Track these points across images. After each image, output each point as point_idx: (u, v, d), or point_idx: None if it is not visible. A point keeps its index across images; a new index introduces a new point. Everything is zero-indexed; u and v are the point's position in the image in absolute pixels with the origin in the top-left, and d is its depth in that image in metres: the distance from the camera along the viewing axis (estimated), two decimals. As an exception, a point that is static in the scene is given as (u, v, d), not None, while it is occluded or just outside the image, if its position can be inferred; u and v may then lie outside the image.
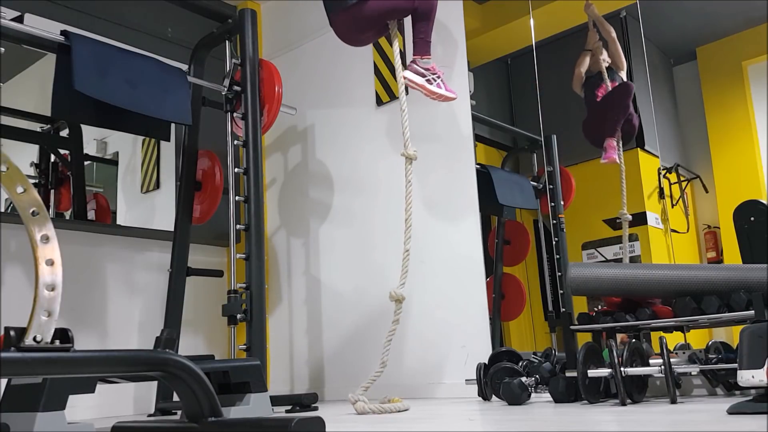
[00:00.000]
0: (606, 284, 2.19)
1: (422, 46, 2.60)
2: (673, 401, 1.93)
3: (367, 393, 2.42)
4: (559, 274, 3.01)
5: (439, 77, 2.60)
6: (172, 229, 3.11)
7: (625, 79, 3.02)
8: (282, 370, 3.72)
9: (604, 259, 2.99)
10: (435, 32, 3.29)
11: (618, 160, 2.95)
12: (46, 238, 1.36)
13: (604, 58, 3.05)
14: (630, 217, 2.92)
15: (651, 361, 2.08)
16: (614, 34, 3.04)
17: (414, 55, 2.63)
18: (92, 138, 3.40)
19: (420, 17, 2.60)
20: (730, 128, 2.93)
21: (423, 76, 2.57)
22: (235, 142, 2.98)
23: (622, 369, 1.99)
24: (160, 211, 3.56)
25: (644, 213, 2.91)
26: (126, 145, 3.56)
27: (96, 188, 3.42)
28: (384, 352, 2.45)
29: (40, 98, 3.13)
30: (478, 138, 3.25)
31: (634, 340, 2.16)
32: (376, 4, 2.53)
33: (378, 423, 1.99)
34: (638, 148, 2.97)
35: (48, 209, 2.72)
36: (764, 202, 2.31)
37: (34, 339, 1.30)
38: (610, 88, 3.01)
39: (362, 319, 3.38)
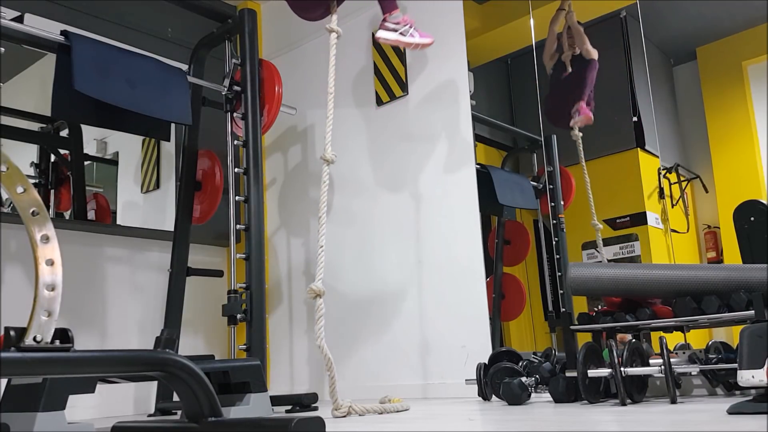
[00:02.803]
0: (606, 284, 2.19)
1: (387, 3, 2.65)
2: (673, 401, 1.93)
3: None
4: (559, 274, 3.01)
5: (411, 26, 2.64)
6: (172, 229, 3.11)
7: None
8: (282, 370, 3.72)
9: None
10: (435, 32, 3.30)
11: (593, 119, 3.00)
12: (46, 238, 1.36)
13: (570, 49, 3.11)
14: (600, 226, 2.97)
15: (651, 361, 2.08)
16: (587, 45, 3.09)
17: (383, 14, 2.66)
18: (92, 138, 3.40)
19: None
20: (730, 128, 2.93)
21: (395, 31, 2.62)
22: (235, 142, 2.98)
23: (622, 369, 1.99)
24: (160, 211, 3.56)
25: (644, 213, 2.91)
26: (126, 145, 3.56)
27: (96, 188, 3.42)
28: (323, 353, 2.38)
29: (40, 98, 3.13)
30: (478, 138, 3.25)
31: (634, 340, 2.16)
32: None
33: (378, 423, 1.99)
34: (638, 148, 2.98)
35: (48, 209, 2.72)
36: (764, 202, 2.31)
37: (34, 339, 1.30)
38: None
39: (362, 318, 3.38)
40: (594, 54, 3.07)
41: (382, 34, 2.62)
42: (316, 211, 3.72)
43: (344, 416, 2.28)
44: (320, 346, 2.35)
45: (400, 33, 2.60)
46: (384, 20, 2.63)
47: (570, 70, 3.11)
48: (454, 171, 3.14)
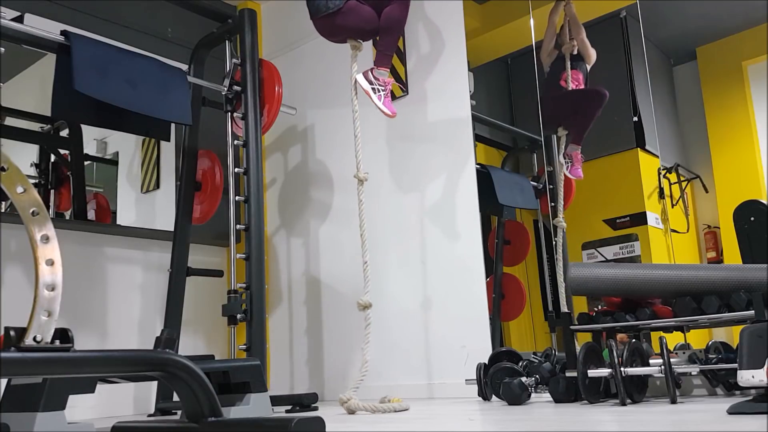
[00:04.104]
0: (606, 284, 2.19)
1: (380, 58, 2.77)
2: (673, 401, 1.93)
3: (368, 393, 2.43)
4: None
5: (384, 90, 2.76)
6: (172, 229, 3.11)
7: (588, 69, 3.10)
8: (282, 370, 3.72)
9: (604, 259, 2.99)
10: (435, 32, 3.31)
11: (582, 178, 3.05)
12: (46, 238, 1.36)
13: (574, 44, 3.11)
14: (565, 225, 3.00)
15: (651, 361, 2.08)
16: (582, 36, 3.10)
17: (374, 63, 2.78)
18: (92, 138, 3.40)
19: (383, 31, 2.76)
20: (730, 128, 2.93)
21: (371, 84, 2.74)
22: (235, 142, 2.98)
23: (622, 369, 1.99)
24: (160, 211, 3.56)
25: (644, 213, 2.91)
26: (126, 145, 3.56)
27: (96, 188, 3.42)
28: (364, 353, 2.52)
29: (40, 98, 3.13)
30: (478, 138, 3.25)
31: (634, 340, 2.16)
32: (342, 20, 2.71)
33: (378, 423, 1.99)
34: (638, 148, 2.98)
35: (48, 209, 2.72)
36: (764, 202, 2.31)
37: (34, 339, 1.30)
38: (569, 76, 3.07)
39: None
40: (591, 50, 3.07)
41: (360, 79, 2.75)
42: (316, 211, 3.74)
43: (348, 401, 2.33)
44: (363, 348, 2.53)
45: (373, 88, 2.73)
46: (371, 69, 2.75)
47: (570, 67, 3.10)
48: (454, 171, 3.14)
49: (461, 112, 3.16)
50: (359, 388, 2.45)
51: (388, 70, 2.79)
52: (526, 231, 3.41)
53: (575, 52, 3.12)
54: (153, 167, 3.60)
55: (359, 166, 2.70)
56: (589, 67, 3.10)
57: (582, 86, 3.11)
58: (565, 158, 3.07)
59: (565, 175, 3.05)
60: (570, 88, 3.10)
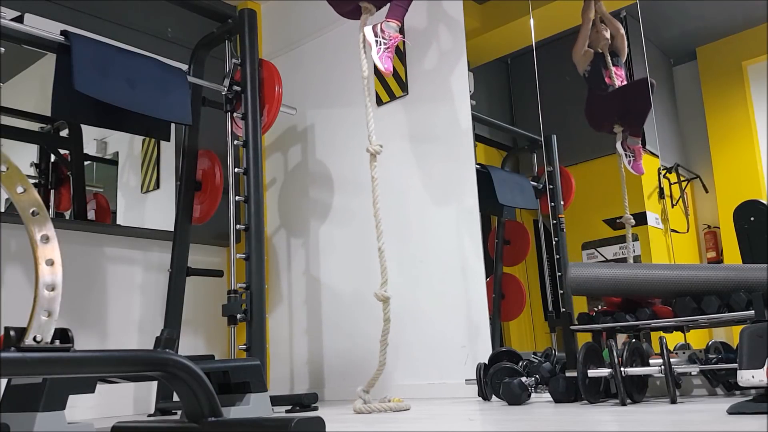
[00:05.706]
0: (606, 284, 2.19)
1: (392, 9, 2.66)
2: (673, 401, 1.93)
3: (368, 393, 2.43)
4: (559, 274, 3.01)
5: (387, 44, 2.62)
6: (172, 229, 3.11)
7: (622, 63, 3.06)
8: (282, 370, 3.72)
9: (604, 259, 2.99)
10: (435, 32, 3.31)
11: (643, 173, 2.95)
12: (46, 238, 1.36)
13: (607, 38, 3.07)
14: (633, 221, 2.92)
15: (651, 361, 2.08)
16: (622, 31, 3.06)
17: (386, 16, 2.67)
18: (92, 138, 3.40)
19: None
20: (730, 128, 2.92)
21: (376, 36, 2.61)
22: (235, 142, 2.98)
23: (622, 369, 1.99)
24: (160, 211, 3.56)
25: (644, 213, 2.91)
26: (126, 145, 3.56)
27: (96, 188, 3.42)
28: (381, 351, 2.48)
29: (40, 98, 3.13)
30: (478, 138, 3.25)
31: (634, 340, 2.16)
32: None
33: (378, 423, 1.99)
34: (638, 148, 2.97)
35: (48, 209, 2.72)
36: (764, 202, 2.31)
37: (34, 339, 1.30)
38: (613, 73, 3.02)
39: (362, 319, 3.38)
40: (626, 44, 3.03)
41: (367, 31, 2.63)
42: (316, 211, 3.74)
43: (355, 402, 2.34)
44: (380, 347, 2.46)
45: (377, 41, 2.60)
46: (383, 22, 2.64)
47: (611, 68, 3.05)
48: (454, 171, 3.14)
49: (461, 112, 3.16)
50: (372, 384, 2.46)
51: (399, 23, 2.65)
52: (526, 231, 3.41)
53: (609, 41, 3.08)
54: (153, 167, 3.60)
55: (371, 138, 2.56)
56: (623, 62, 3.07)
57: (626, 82, 3.05)
58: (625, 150, 2.97)
59: (625, 167, 2.91)
60: (617, 85, 3.04)
